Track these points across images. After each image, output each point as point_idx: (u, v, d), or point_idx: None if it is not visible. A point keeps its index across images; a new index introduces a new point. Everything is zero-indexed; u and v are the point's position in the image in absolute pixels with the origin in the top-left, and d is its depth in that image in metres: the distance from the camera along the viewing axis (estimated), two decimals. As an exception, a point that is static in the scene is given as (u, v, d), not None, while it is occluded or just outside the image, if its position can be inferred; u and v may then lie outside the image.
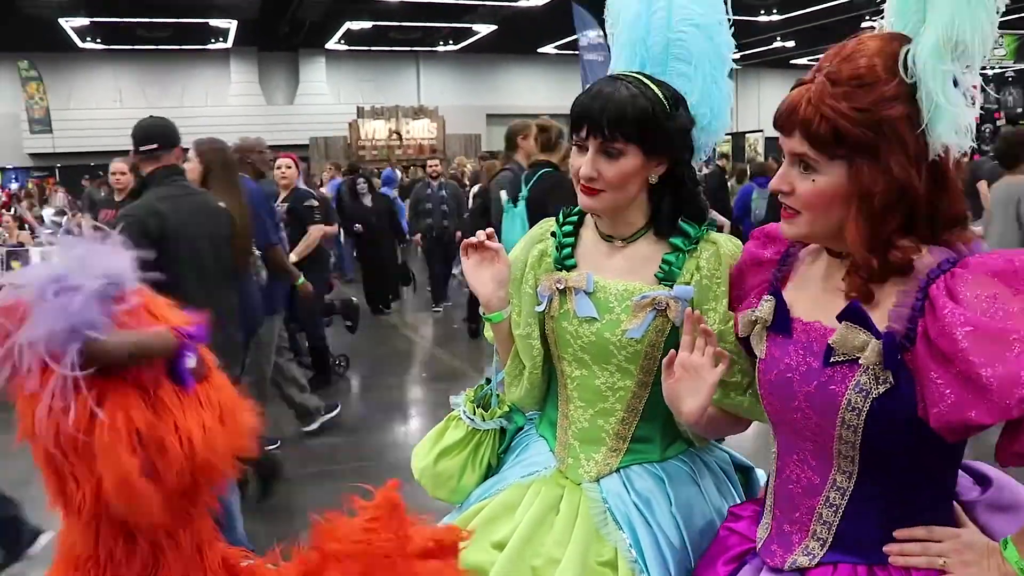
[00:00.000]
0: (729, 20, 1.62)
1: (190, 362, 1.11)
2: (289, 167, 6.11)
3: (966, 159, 1.26)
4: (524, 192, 4.66)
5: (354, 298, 7.50)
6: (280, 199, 6.05)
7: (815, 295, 1.29)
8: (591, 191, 1.53)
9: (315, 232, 5.82)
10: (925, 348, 1.12)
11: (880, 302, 1.19)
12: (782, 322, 1.29)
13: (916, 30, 1.17)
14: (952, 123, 1.14)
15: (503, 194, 4.93)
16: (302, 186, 6.20)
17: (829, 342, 1.20)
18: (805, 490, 1.29)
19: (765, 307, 1.32)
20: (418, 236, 8.98)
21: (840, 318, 1.19)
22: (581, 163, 1.52)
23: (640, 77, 1.52)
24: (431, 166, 9.41)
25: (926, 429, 1.13)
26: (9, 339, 0.99)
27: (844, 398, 1.18)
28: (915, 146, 1.15)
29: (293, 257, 5.72)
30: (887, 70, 1.15)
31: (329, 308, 6.74)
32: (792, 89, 1.23)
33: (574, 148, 1.54)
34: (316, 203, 5.96)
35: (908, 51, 1.15)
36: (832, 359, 1.19)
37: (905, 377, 1.15)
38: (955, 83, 1.15)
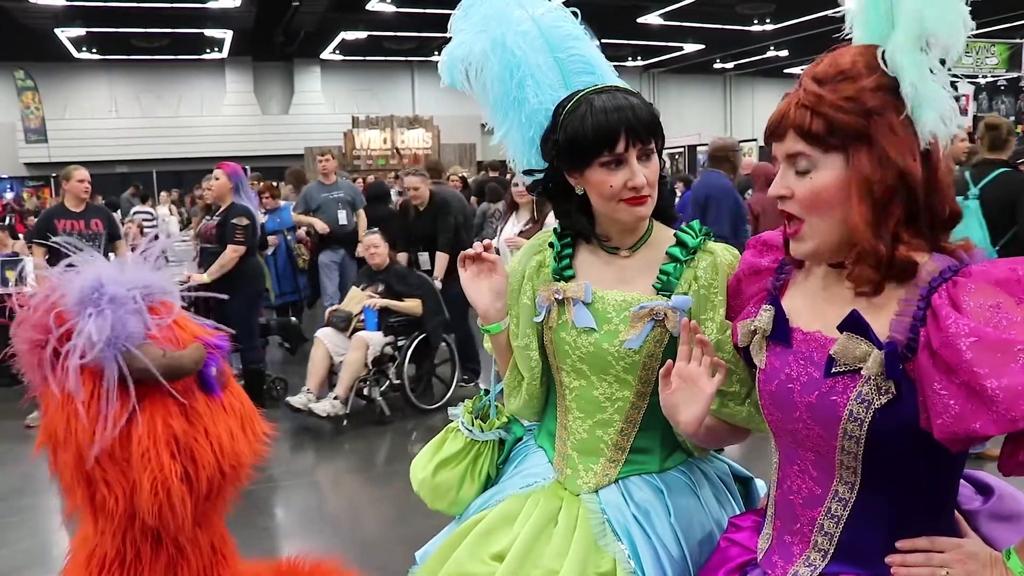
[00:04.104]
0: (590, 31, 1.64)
1: (215, 372, 1.15)
2: (217, 179, 5.65)
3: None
4: (975, 191, 4.52)
5: (293, 318, 7.42)
6: (216, 213, 5.74)
7: (815, 304, 1.29)
8: (644, 199, 1.52)
9: (229, 253, 5.55)
10: (928, 358, 1.11)
11: (881, 310, 1.19)
12: (782, 332, 1.28)
13: (887, 39, 1.18)
14: (935, 111, 1.15)
15: None
16: (241, 201, 5.73)
17: (830, 352, 1.19)
18: (806, 501, 1.28)
19: (764, 316, 1.31)
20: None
21: (841, 328, 1.18)
22: (616, 179, 1.49)
23: (617, 84, 1.56)
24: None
25: (928, 439, 1.12)
26: (49, 344, 1.03)
27: (846, 409, 1.17)
28: (905, 133, 1.16)
29: (205, 277, 5.51)
30: (868, 66, 1.17)
31: (264, 328, 6.46)
32: (780, 102, 1.24)
33: (599, 167, 1.50)
34: (246, 222, 5.61)
35: (882, 51, 1.17)
36: (833, 369, 1.19)
37: (907, 387, 1.14)
38: (932, 72, 1.15)
